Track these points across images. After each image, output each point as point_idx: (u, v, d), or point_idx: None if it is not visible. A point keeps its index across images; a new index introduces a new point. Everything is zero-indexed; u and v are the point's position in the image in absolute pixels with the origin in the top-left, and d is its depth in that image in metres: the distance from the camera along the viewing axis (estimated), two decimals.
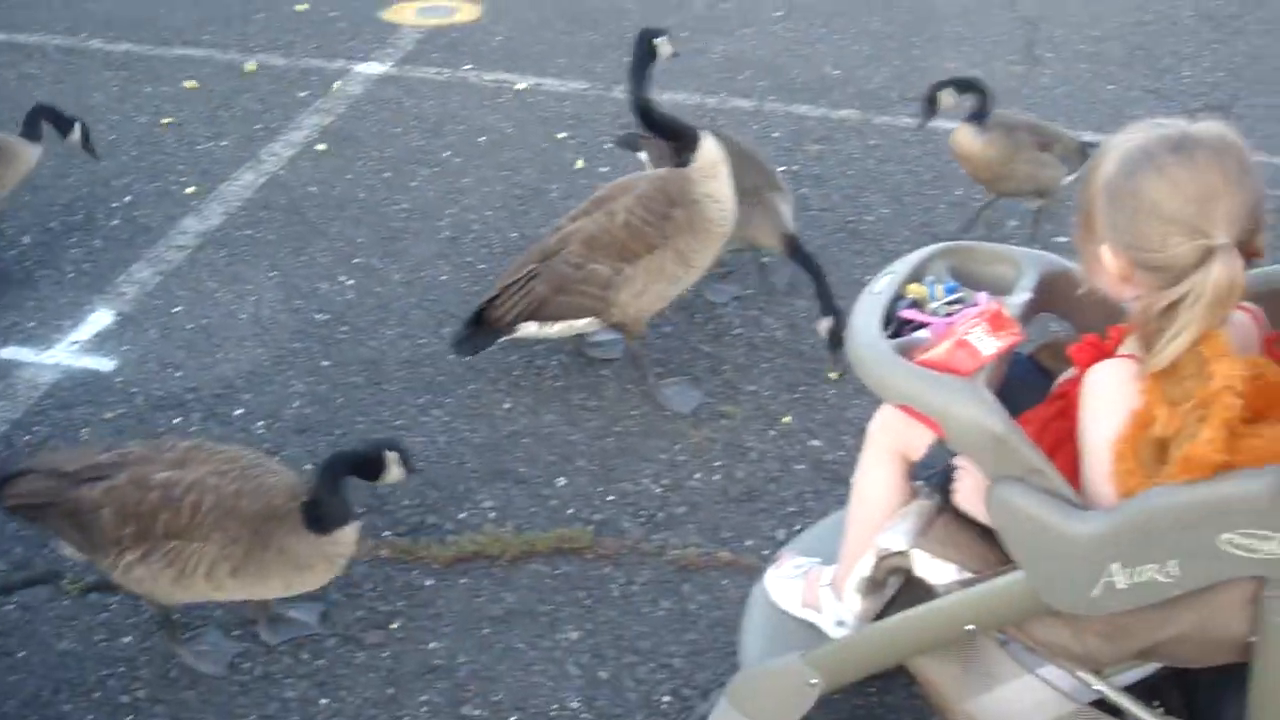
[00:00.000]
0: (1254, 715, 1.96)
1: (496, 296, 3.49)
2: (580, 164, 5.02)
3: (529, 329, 3.51)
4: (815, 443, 3.52)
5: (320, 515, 2.67)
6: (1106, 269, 1.98)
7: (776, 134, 5.26)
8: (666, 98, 5.41)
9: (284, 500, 2.68)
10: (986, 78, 5.85)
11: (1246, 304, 2.05)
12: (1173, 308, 1.86)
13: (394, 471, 2.79)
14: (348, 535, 2.71)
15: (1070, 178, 4.25)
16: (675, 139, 3.49)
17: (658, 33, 3.52)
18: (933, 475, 2.26)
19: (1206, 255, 1.84)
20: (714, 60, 5.99)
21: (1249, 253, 1.90)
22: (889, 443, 2.27)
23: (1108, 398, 1.96)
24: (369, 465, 2.78)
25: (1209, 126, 1.91)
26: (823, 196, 4.77)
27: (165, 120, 5.32)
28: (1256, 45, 6.38)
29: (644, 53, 3.50)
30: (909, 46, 6.24)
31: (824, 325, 3.66)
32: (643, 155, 4.17)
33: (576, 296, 3.46)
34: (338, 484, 2.70)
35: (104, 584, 2.93)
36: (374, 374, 3.76)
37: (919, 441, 2.21)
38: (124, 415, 3.60)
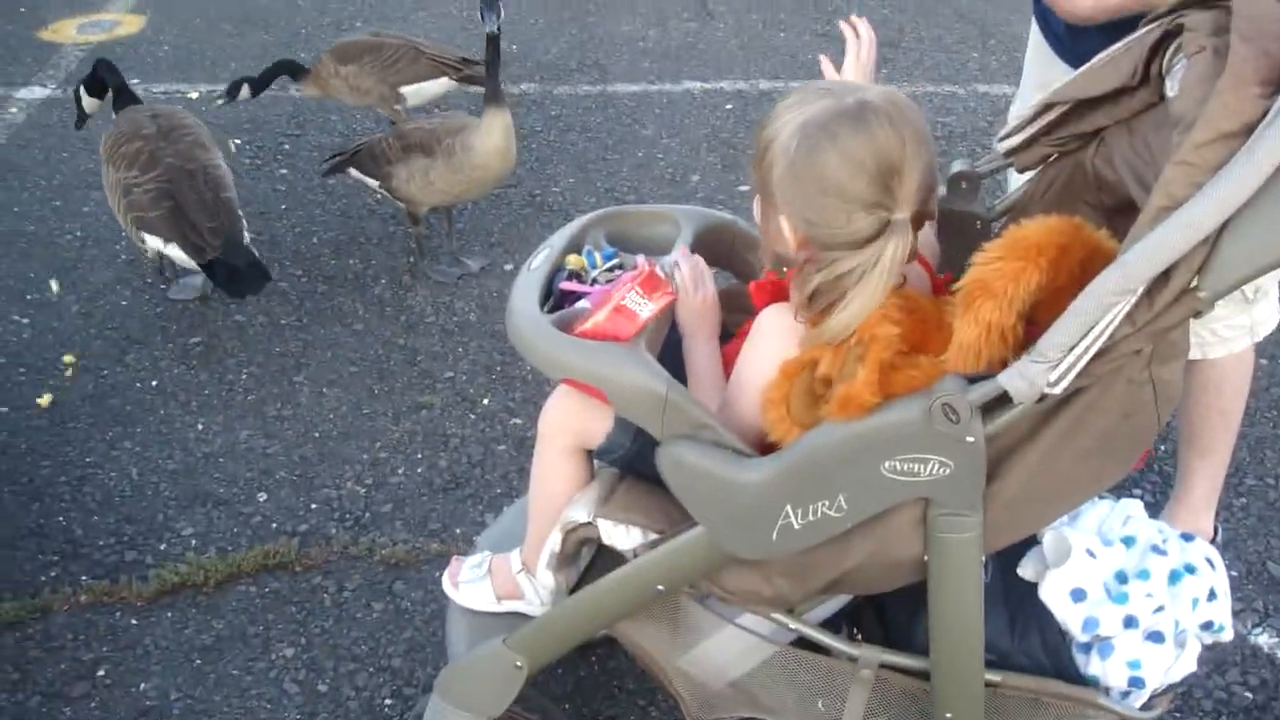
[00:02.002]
0: (934, 626, 2.01)
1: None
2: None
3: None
4: (516, 421, 3.49)
5: None
6: (784, 236, 1.96)
7: None
8: None
9: None
10: (662, 37, 5.99)
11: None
12: (842, 279, 1.85)
13: None
14: None
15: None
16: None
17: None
18: (616, 459, 2.16)
19: (884, 229, 1.83)
20: None
21: (924, 218, 1.90)
22: (565, 438, 2.21)
23: (769, 343, 1.98)
24: None
25: (883, 94, 1.86)
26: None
27: None
28: None
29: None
30: (584, 15, 6.27)
31: None
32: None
33: None
34: None
35: None
36: (57, 414, 3.57)
37: (596, 428, 2.14)
38: None
